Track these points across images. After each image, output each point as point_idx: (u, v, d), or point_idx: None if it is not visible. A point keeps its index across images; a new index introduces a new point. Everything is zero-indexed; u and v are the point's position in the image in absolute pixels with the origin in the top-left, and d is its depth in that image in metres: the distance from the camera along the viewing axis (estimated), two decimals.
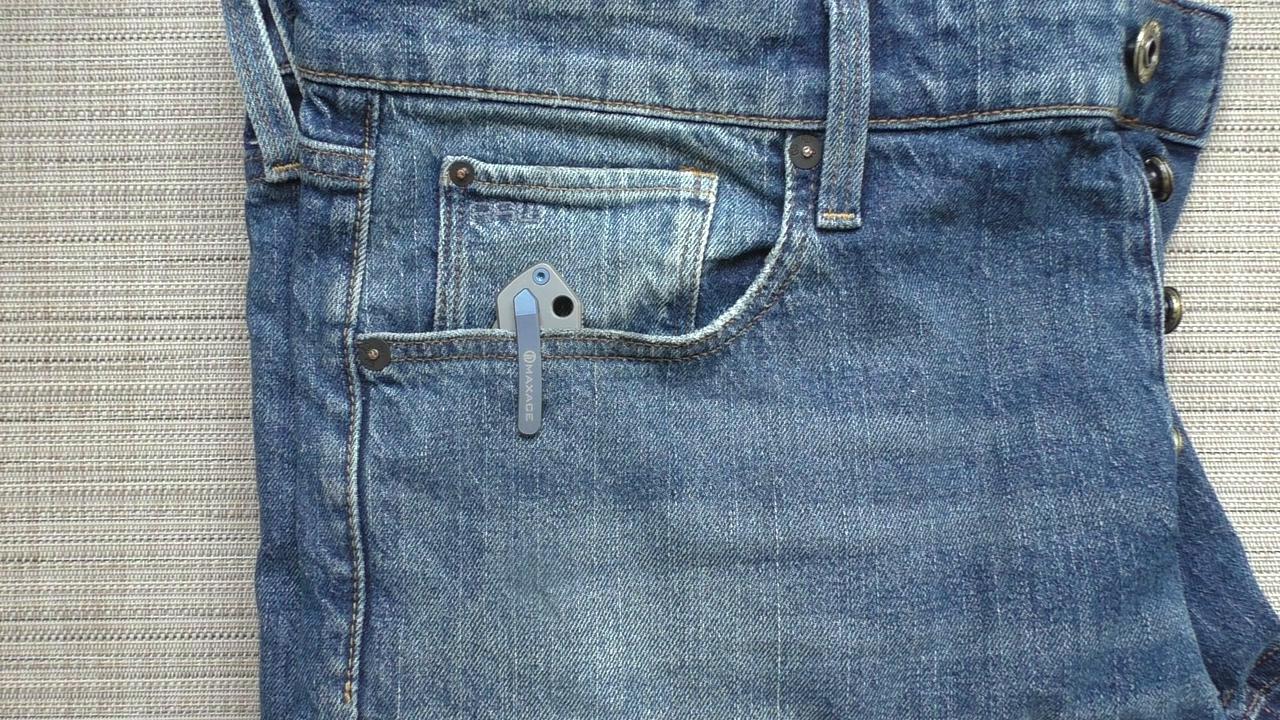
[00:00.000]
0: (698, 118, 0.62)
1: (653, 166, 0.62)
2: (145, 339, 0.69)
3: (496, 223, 0.62)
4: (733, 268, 0.63)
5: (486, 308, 0.62)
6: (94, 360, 0.69)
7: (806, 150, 0.62)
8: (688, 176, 0.62)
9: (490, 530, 0.62)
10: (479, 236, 0.62)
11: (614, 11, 0.61)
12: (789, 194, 0.62)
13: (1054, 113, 0.61)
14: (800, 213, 0.62)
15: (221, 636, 0.69)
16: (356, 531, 0.62)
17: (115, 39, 0.68)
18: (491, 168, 0.62)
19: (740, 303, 0.62)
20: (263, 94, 0.62)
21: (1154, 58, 0.63)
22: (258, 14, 0.62)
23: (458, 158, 0.62)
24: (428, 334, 0.62)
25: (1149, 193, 0.62)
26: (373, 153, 0.62)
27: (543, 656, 0.62)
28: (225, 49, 0.68)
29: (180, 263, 0.69)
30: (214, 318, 0.69)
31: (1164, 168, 0.64)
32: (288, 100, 0.62)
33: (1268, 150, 0.68)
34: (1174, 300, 0.64)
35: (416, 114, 0.61)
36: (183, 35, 0.68)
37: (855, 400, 0.63)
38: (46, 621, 0.69)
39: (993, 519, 0.62)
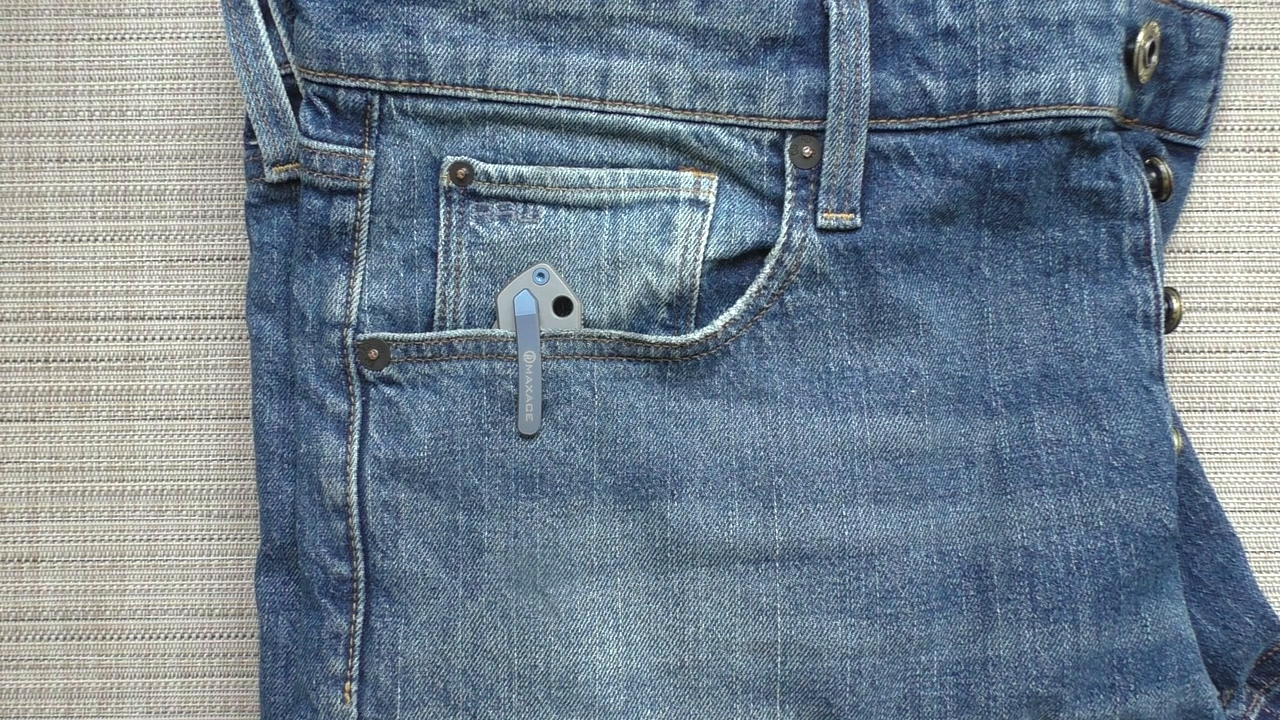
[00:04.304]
0: (698, 118, 0.62)
1: (653, 166, 0.62)
2: (145, 339, 0.69)
3: (496, 223, 0.62)
4: (733, 268, 0.63)
5: (486, 308, 0.62)
6: (94, 360, 0.69)
7: (806, 150, 0.62)
8: (688, 176, 0.62)
9: (490, 530, 0.62)
10: (479, 236, 0.62)
11: (614, 11, 0.61)
12: (789, 194, 0.62)
13: (1054, 113, 0.61)
14: (800, 213, 0.62)
15: (221, 636, 0.69)
16: (356, 532, 0.62)
17: (115, 39, 0.68)
18: (491, 168, 0.62)
19: (740, 303, 0.62)
20: (263, 94, 0.62)
21: (1154, 58, 0.63)
22: (258, 14, 0.62)
23: (458, 158, 0.62)
24: (428, 334, 0.62)
25: (1149, 193, 0.62)
26: (373, 153, 0.62)
27: (543, 656, 0.62)
28: (225, 49, 0.68)
29: (180, 263, 0.69)
30: (214, 318, 0.69)
31: (1164, 168, 0.64)
32: (288, 100, 0.62)
33: (1268, 150, 0.68)
34: (1174, 300, 0.64)
35: (416, 114, 0.61)
36: (183, 35, 0.68)
37: (855, 400, 0.63)
38: (46, 621, 0.69)
39: (993, 519, 0.63)
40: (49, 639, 0.69)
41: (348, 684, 0.62)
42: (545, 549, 0.62)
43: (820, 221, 0.62)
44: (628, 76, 0.61)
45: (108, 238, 0.69)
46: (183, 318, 0.69)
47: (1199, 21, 0.65)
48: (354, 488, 0.62)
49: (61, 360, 0.69)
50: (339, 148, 0.61)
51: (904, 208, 0.62)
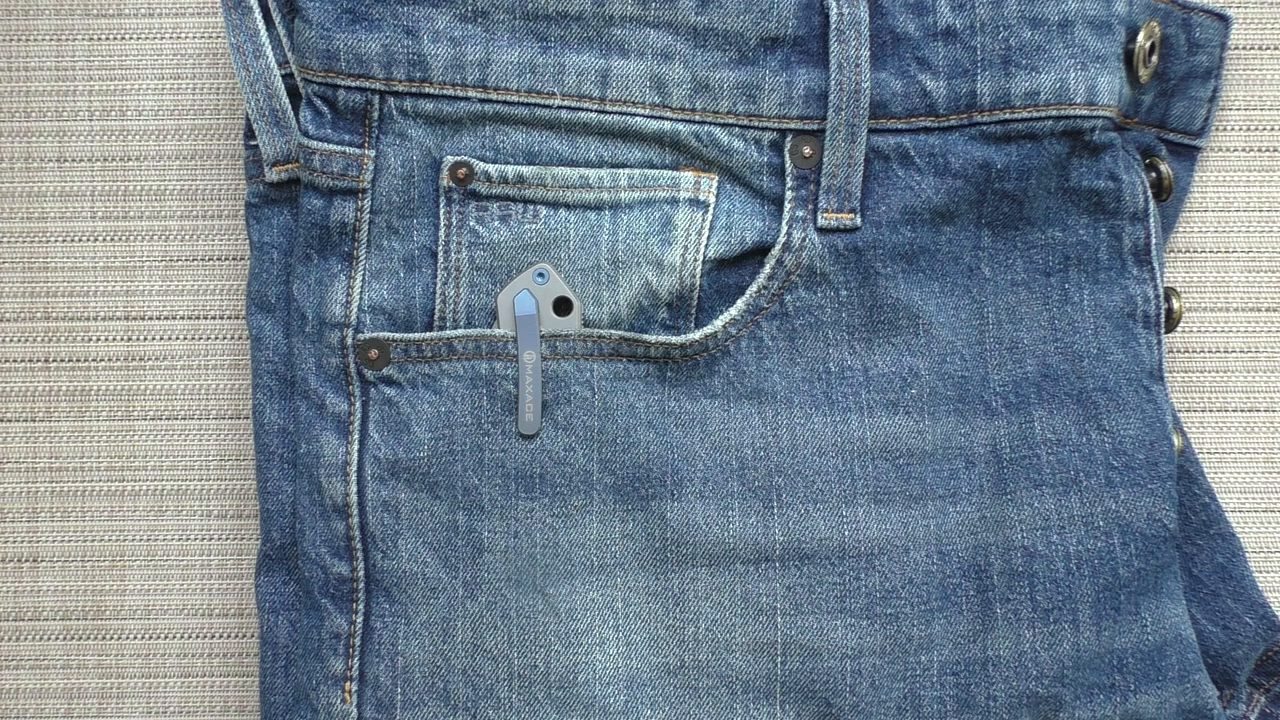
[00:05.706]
0: (698, 118, 0.62)
1: (653, 166, 0.62)
2: (145, 339, 0.69)
3: (496, 223, 0.62)
4: (733, 268, 0.63)
5: (486, 308, 0.62)
6: (94, 360, 0.69)
7: (806, 150, 0.62)
8: (688, 176, 0.62)
9: (490, 530, 0.62)
10: (479, 236, 0.62)
11: (614, 11, 0.61)
12: (789, 194, 0.62)
13: (1054, 113, 0.61)
14: (800, 213, 0.62)
15: (221, 636, 0.69)
16: (356, 531, 0.62)
17: (115, 39, 0.68)
18: (491, 168, 0.62)
19: (740, 303, 0.62)
20: (263, 94, 0.62)
21: (1154, 58, 0.63)
22: (258, 14, 0.62)
23: (458, 158, 0.62)
24: (428, 334, 0.62)
25: (1149, 193, 0.62)
26: (373, 153, 0.62)
27: (543, 656, 0.62)
28: (225, 49, 0.68)
29: (180, 263, 0.69)
30: (214, 318, 0.69)
31: (1164, 168, 0.64)
32: (288, 100, 0.62)
33: (1268, 150, 0.68)
34: (1174, 300, 0.64)
35: (416, 114, 0.61)
36: (183, 35, 0.68)
37: (855, 400, 0.63)
38: (46, 621, 0.69)
39: (993, 519, 0.63)
40: (49, 639, 0.69)
41: (348, 684, 0.62)
42: (545, 549, 0.62)
43: (820, 221, 0.62)
44: (628, 76, 0.61)
45: (108, 238, 0.69)
46: (183, 318, 0.69)
47: (1199, 21, 0.65)
48: (354, 488, 0.62)
49: (61, 360, 0.69)
50: (339, 148, 0.61)
51: (904, 208, 0.62)
